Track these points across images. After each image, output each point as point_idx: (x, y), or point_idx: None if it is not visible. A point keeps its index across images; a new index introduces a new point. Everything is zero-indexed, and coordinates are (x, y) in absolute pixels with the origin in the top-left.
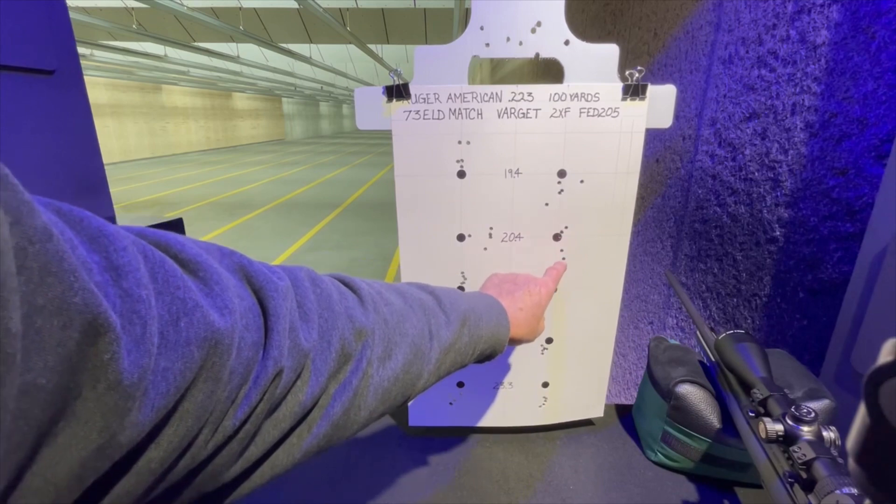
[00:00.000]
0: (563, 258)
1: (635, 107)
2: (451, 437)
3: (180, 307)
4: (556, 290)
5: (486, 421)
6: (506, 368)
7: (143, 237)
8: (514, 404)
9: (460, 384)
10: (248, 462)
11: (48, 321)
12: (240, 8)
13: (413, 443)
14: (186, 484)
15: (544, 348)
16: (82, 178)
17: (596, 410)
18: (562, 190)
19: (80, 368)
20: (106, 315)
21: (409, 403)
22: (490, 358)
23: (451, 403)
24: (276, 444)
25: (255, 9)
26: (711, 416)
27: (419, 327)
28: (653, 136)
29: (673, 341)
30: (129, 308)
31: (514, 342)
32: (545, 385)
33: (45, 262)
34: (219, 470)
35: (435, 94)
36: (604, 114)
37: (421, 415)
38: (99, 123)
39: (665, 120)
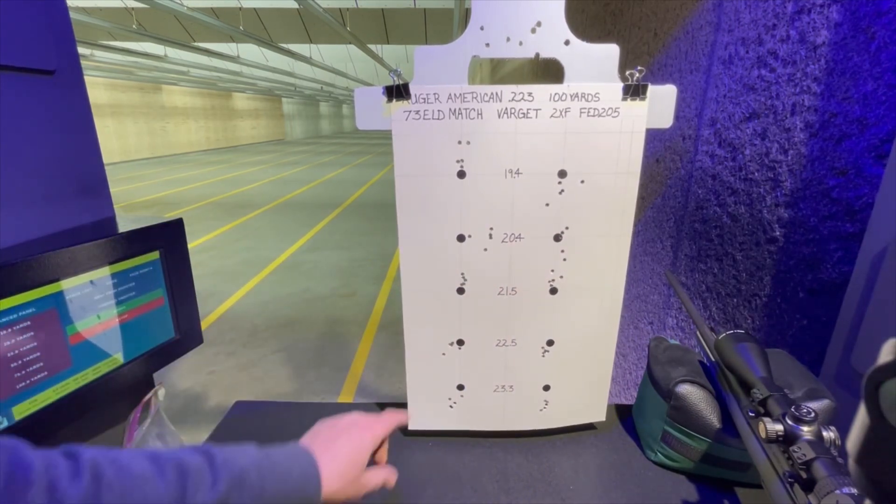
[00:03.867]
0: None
1: (636, 107)
2: (451, 438)
3: None
4: (385, 436)
5: (487, 425)
6: (506, 371)
7: None
8: (514, 408)
9: (460, 387)
10: None
11: None
12: (240, 8)
13: (413, 442)
14: None
15: (545, 351)
16: (82, 178)
17: (598, 414)
18: (562, 190)
19: None
20: None
21: (408, 404)
22: None
23: (450, 406)
24: None
25: (255, 9)
26: (711, 416)
27: (164, 491)
28: (653, 136)
29: (673, 341)
30: None
31: (332, 499)
32: (546, 388)
33: None
34: None
35: (435, 94)
36: (604, 114)
37: (420, 418)
38: (99, 123)
39: (665, 120)
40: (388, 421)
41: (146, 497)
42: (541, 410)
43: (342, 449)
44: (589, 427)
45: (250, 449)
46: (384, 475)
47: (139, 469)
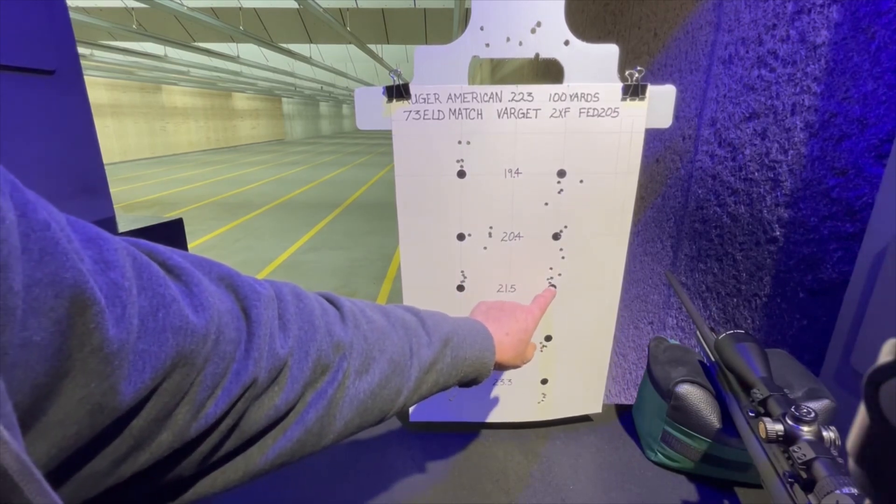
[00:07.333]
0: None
1: (635, 107)
2: (451, 433)
3: (159, 301)
4: (541, 317)
5: (486, 417)
6: None
7: (136, 246)
8: (512, 400)
9: None
10: (226, 451)
11: (43, 291)
12: (240, 8)
13: (413, 441)
14: (174, 462)
15: (543, 346)
16: (82, 178)
17: (594, 406)
18: (561, 190)
19: (69, 332)
20: (92, 292)
21: None
22: (474, 382)
23: (450, 399)
24: (250, 439)
25: (255, 9)
26: (711, 416)
27: (399, 345)
28: (653, 136)
29: (673, 341)
30: (113, 293)
31: (501, 367)
32: (544, 382)
33: (43, 246)
34: (201, 456)
35: (435, 94)
36: (603, 114)
37: (421, 410)
38: (99, 123)
39: (665, 120)
40: (543, 304)
41: (386, 349)
42: (538, 403)
43: (512, 327)
44: (585, 419)
45: (446, 316)
46: (534, 349)
47: (380, 323)
